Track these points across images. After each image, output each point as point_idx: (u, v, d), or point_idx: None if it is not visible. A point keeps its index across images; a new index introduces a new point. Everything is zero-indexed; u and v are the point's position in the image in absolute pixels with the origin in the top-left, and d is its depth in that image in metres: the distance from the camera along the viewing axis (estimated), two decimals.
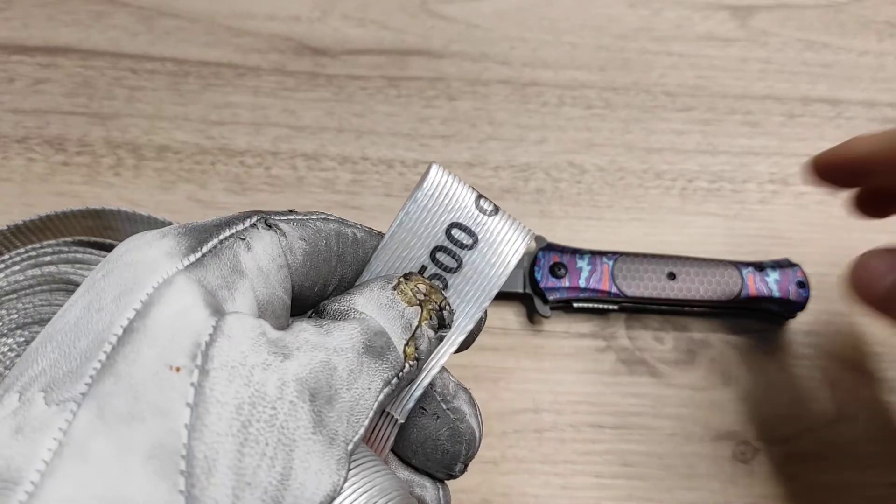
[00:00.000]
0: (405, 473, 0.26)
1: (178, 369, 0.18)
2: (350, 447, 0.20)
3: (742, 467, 0.38)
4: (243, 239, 0.21)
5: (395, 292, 0.23)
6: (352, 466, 0.22)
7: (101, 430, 0.17)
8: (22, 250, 0.38)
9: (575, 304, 0.40)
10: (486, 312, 0.25)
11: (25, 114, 0.45)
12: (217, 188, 0.43)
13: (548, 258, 0.40)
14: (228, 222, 0.21)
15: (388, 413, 0.24)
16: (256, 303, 0.21)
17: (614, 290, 0.40)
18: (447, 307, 0.23)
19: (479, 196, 0.24)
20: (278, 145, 0.45)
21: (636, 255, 0.41)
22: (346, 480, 0.20)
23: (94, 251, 0.38)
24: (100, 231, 0.41)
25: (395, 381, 0.21)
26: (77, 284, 0.36)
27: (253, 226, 0.22)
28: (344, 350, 0.20)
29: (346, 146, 0.45)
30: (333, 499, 0.19)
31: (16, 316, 0.36)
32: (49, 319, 0.36)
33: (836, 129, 0.47)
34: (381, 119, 0.46)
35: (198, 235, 0.21)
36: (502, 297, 0.41)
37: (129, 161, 0.44)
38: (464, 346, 0.25)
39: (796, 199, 0.45)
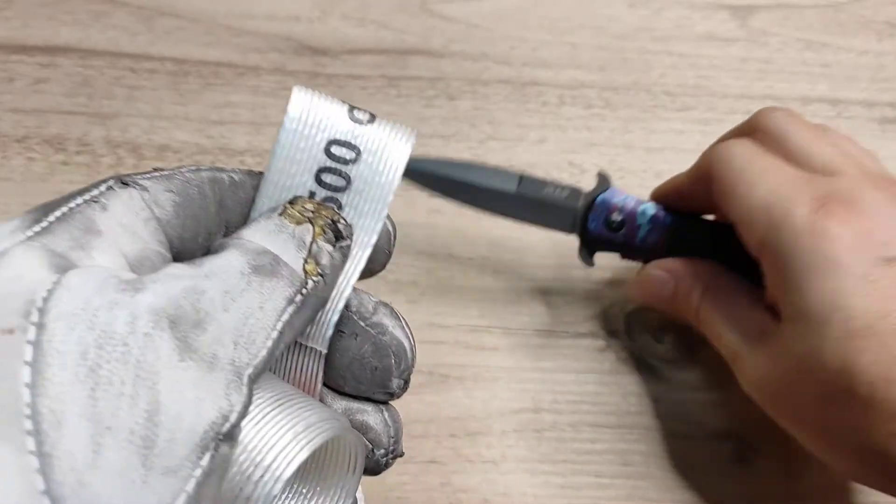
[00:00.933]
0: (341, 403, 0.25)
1: (11, 331, 0.17)
2: (249, 371, 0.19)
3: (742, 467, 0.38)
4: (97, 201, 0.21)
5: (282, 217, 0.22)
6: (274, 406, 0.21)
7: None
8: None
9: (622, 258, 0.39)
10: (392, 223, 0.25)
11: (25, 113, 0.45)
12: None
13: (605, 207, 0.37)
14: (81, 191, 0.21)
15: (308, 347, 0.24)
16: (125, 259, 0.20)
17: None
18: (340, 220, 0.23)
19: (352, 108, 0.24)
20: None
21: None
22: (245, 406, 0.19)
23: None
24: None
25: (298, 297, 0.21)
26: None
27: (109, 188, 0.21)
28: (216, 273, 0.20)
29: None
30: (229, 423, 0.18)
31: None
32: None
33: (835, 129, 0.47)
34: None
35: (45, 209, 0.20)
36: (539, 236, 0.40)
37: (128, 161, 0.44)
38: (377, 263, 0.25)
39: None
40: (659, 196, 0.39)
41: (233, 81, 0.46)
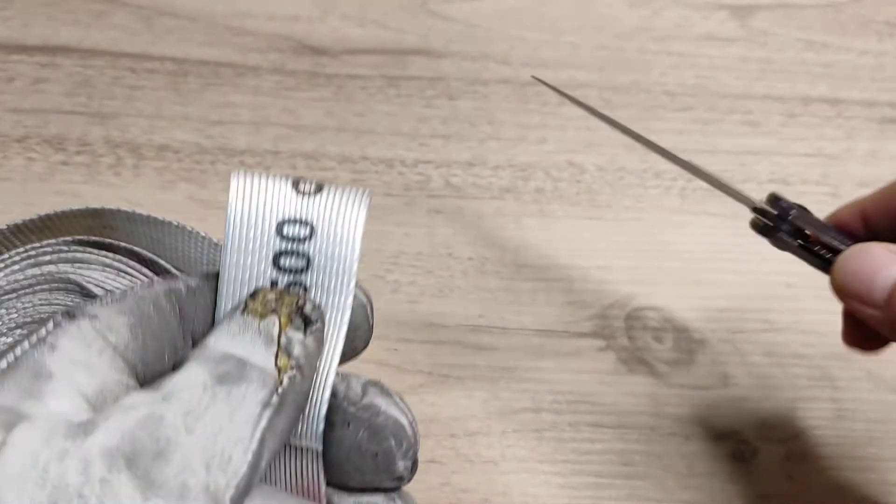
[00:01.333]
0: (350, 500, 0.23)
1: None
2: (231, 493, 0.17)
3: (742, 467, 0.38)
4: (44, 342, 0.19)
5: (245, 314, 0.21)
6: None
7: None
8: (21, 250, 0.38)
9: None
10: (366, 294, 0.23)
11: (25, 113, 0.45)
12: (217, 188, 0.43)
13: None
14: (28, 333, 0.20)
15: (302, 447, 0.22)
16: (83, 397, 0.19)
17: None
18: (307, 303, 0.21)
19: (297, 181, 0.22)
20: (278, 145, 0.45)
21: None
22: None
23: (93, 250, 0.38)
24: (99, 230, 0.41)
25: (274, 398, 0.19)
26: (77, 284, 0.36)
27: (56, 325, 0.20)
28: (175, 394, 0.18)
29: (346, 146, 0.45)
30: None
31: (15, 315, 0.36)
32: (49, 319, 0.36)
33: (835, 128, 0.47)
34: (380, 119, 0.46)
35: None
36: None
37: (128, 160, 0.44)
38: (359, 340, 0.23)
39: (796, 199, 0.45)
40: (840, 225, 0.33)
41: (233, 81, 0.46)
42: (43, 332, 0.19)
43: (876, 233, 0.32)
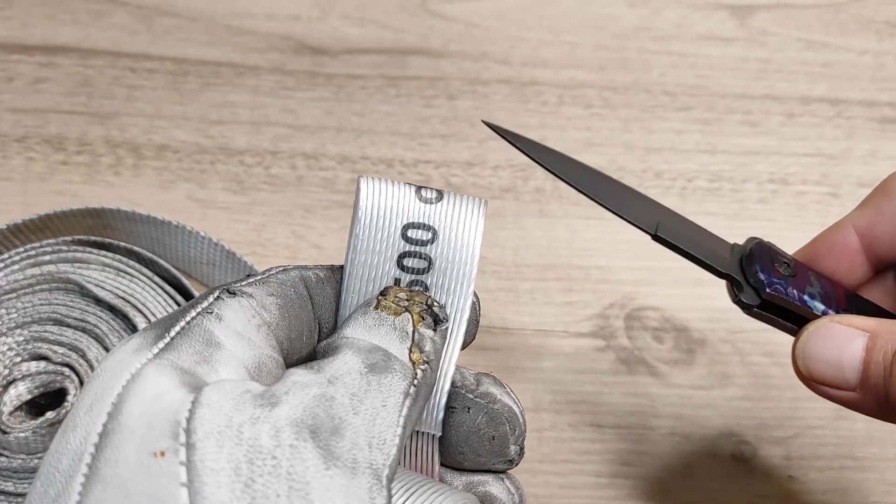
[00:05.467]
0: (462, 479, 0.25)
1: (162, 453, 0.17)
2: (386, 472, 0.19)
3: (742, 467, 0.38)
4: (211, 312, 0.21)
5: (378, 310, 0.22)
6: (403, 493, 0.21)
7: None
8: (21, 249, 0.38)
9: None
10: (477, 298, 0.25)
11: (25, 113, 0.45)
12: (216, 187, 0.43)
13: (771, 252, 0.30)
14: (192, 303, 0.21)
15: (422, 432, 0.24)
16: (245, 368, 0.20)
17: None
18: (434, 303, 0.23)
19: (419, 188, 0.24)
20: (278, 144, 0.45)
21: None
22: None
23: (93, 250, 0.38)
24: (99, 230, 0.41)
25: (412, 389, 0.21)
26: (77, 284, 0.36)
27: (217, 298, 0.21)
28: (339, 378, 0.20)
29: (346, 145, 0.45)
30: None
31: (15, 315, 0.36)
32: (48, 318, 0.36)
33: (835, 128, 0.47)
34: (380, 118, 0.46)
35: (163, 324, 0.21)
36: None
37: (128, 160, 0.44)
38: (468, 335, 0.25)
39: (796, 199, 0.45)
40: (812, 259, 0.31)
41: (232, 81, 0.46)
42: (206, 303, 0.21)
43: (881, 257, 0.30)
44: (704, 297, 0.42)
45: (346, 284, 0.23)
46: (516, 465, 0.25)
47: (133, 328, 0.36)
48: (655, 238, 0.29)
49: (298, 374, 0.20)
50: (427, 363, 0.22)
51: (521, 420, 0.25)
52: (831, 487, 0.38)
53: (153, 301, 0.37)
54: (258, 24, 0.48)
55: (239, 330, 0.21)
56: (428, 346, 0.22)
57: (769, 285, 0.29)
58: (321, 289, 0.24)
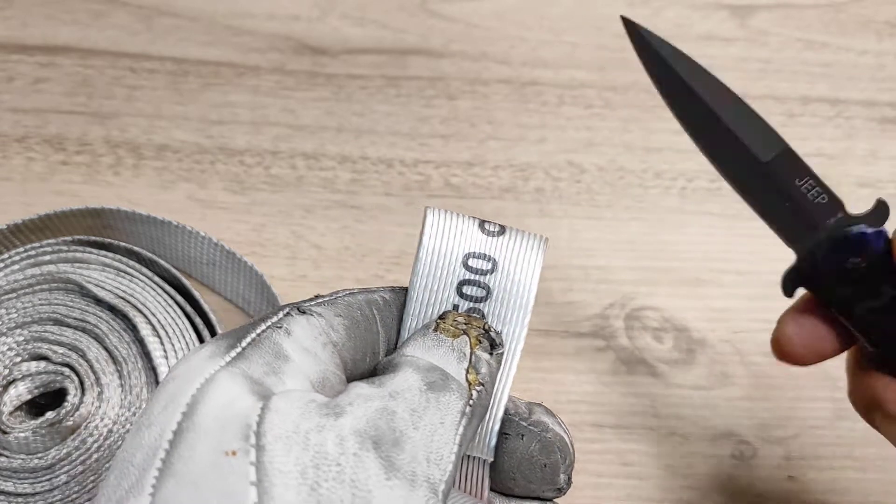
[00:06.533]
0: None
1: (233, 453, 0.18)
2: (443, 487, 0.19)
3: (741, 467, 0.38)
4: (280, 327, 0.22)
5: (438, 332, 0.23)
6: None
7: None
8: (21, 249, 0.38)
9: None
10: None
11: (25, 113, 0.45)
12: (216, 187, 0.43)
13: (855, 244, 0.27)
14: (263, 318, 0.22)
15: (473, 457, 0.24)
16: (310, 381, 0.21)
17: None
18: (492, 329, 0.24)
19: (482, 221, 0.25)
20: (278, 144, 0.45)
21: None
22: None
23: (93, 250, 0.38)
24: (99, 230, 0.41)
25: (468, 409, 0.21)
26: (77, 284, 0.36)
27: (287, 314, 0.22)
28: (400, 393, 0.21)
29: (346, 145, 0.45)
30: None
31: (15, 315, 0.36)
32: (48, 318, 0.36)
33: (835, 128, 0.47)
34: (380, 118, 0.46)
35: (236, 334, 0.21)
36: None
37: (128, 160, 0.44)
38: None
39: None
40: None
41: (232, 81, 0.46)
42: (276, 318, 0.22)
43: None
44: (704, 297, 0.42)
45: (408, 308, 0.24)
46: (564, 493, 0.26)
47: (133, 328, 0.36)
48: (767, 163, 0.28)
49: (361, 388, 0.21)
50: (482, 385, 0.22)
51: (571, 450, 0.26)
52: (831, 487, 0.38)
53: (153, 301, 0.37)
54: (258, 24, 0.48)
55: (306, 346, 0.22)
56: (484, 369, 0.23)
57: (817, 273, 0.27)
58: (388, 311, 0.25)
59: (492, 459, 0.25)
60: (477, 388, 0.22)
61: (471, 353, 0.23)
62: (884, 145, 0.46)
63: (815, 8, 0.51)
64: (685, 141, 0.46)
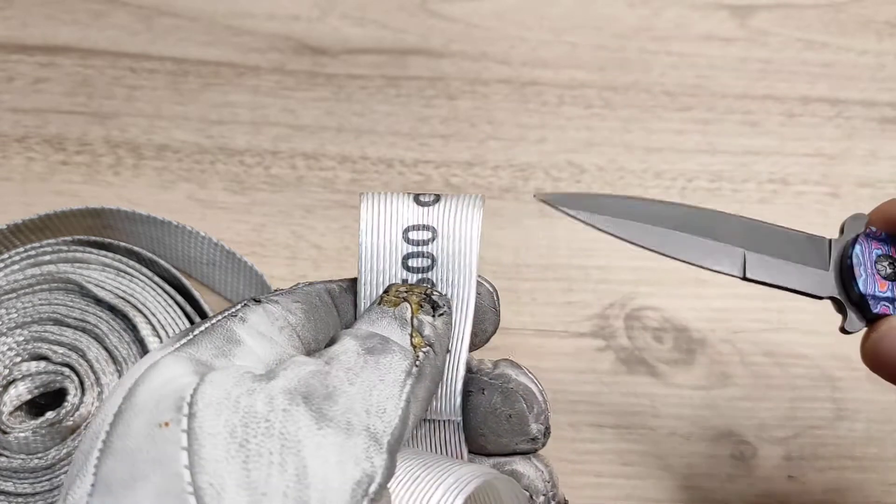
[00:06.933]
0: (489, 462, 0.26)
1: (166, 424, 0.19)
2: (388, 438, 0.20)
3: (741, 467, 0.38)
4: (235, 316, 0.23)
5: (381, 305, 0.24)
6: (423, 468, 0.22)
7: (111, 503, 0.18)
8: (21, 249, 0.38)
9: None
10: (492, 285, 0.26)
11: (25, 113, 0.45)
12: (216, 187, 0.43)
13: (869, 247, 0.28)
14: (222, 311, 0.23)
15: (443, 421, 0.25)
16: (264, 364, 0.22)
17: None
18: (433, 293, 0.24)
19: (417, 195, 0.25)
20: (278, 144, 0.45)
21: None
22: (389, 469, 0.20)
23: (93, 250, 0.38)
24: (99, 230, 0.41)
25: (414, 369, 0.22)
26: (76, 283, 0.36)
27: (244, 305, 0.23)
28: (335, 357, 0.21)
29: (346, 145, 0.45)
30: (375, 484, 0.19)
31: (15, 315, 0.36)
32: (48, 318, 0.36)
33: (835, 128, 0.47)
34: (380, 118, 0.46)
35: (192, 327, 0.22)
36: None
37: (128, 160, 0.44)
38: (489, 324, 0.26)
39: (796, 199, 0.45)
40: (887, 218, 0.29)
41: (232, 81, 0.46)
42: (234, 309, 0.23)
43: None
44: (704, 297, 0.42)
45: (360, 292, 0.25)
46: (542, 444, 0.26)
47: (133, 328, 0.36)
48: (745, 279, 0.28)
49: (300, 358, 0.21)
50: (429, 346, 0.23)
51: (541, 398, 0.26)
52: (831, 487, 0.38)
53: (153, 301, 0.37)
54: (258, 24, 0.48)
55: (262, 330, 0.22)
56: (428, 331, 0.23)
57: (874, 304, 0.27)
58: (344, 298, 0.25)
59: (460, 419, 0.25)
60: (423, 349, 0.22)
61: (412, 318, 0.23)
62: (884, 145, 0.46)
63: (815, 8, 0.51)
64: (685, 141, 0.46)
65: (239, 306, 0.23)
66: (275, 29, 0.48)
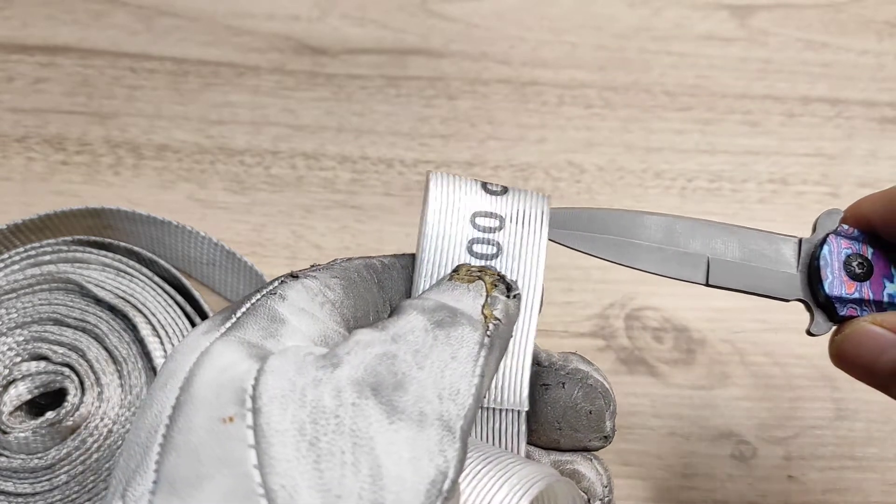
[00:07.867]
0: (549, 458, 0.25)
1: (230, 419, 0.18)
2: (461, 423, 0.19)
3: (741, 467, 0.38)
4: (274, 293, 0.22)
5: (452, 280, 0.23)
6: (485, 464, 0.21)
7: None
8: (21, 249, 0.38)
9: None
10: (542, 287, 0.25)
11: (25, 113, 0.45)
12: (216, 187, 0.43)
13: (839, 247, 0.28)
14: (258, 289, 0.22)
15: (506, 410, 0.24)
16: (311, 340, 0.21)
17: None
18: (506, 276, 0.24)
19: (485, 183, 0.25)
20: (278, 144, 0.45)
21: None
22: (461, 459, 0.19)
23: (93, 250, 0.38)
24: (99, 230, 0.41)
25: (486, 339, 0.21)
26: (76, 283, 0.36)
27: (282, 282, 0.22)
28: (402, 336, 0.20)
29: (346, 145, 0.45)
30: (448, 480, 0.18)
31: (15, 315, 0.36)
32: (48, 318, 0.36)
33: (835, 128, 0.47)
34: (380, 118, 0.46)
35: (231, 308, 0.22)
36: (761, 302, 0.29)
37: (128, 160, 0.44)
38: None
39: (796, 199, 0.45)
40: (861, 216, 0.29)
41: (232, 81, 0.46)
42: (272, 286, 0.22)
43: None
44: (704, 297, 0.42)
45: (419, 270, 0.24)
46: (610, 442, 0.26)
47: (133, 328, 0.36)
48: (709, 286, 0.28)
49: (362, 333, 0.20)
50: (499, 319, 0.22)
51: (613, 397, 0.26)
52: (831, 487, 0.38)
53: (153, 301, 0.37)
54: (258, 24, 0.48)
55: (302, 307, 0.22)
56: (500, 307, 0.22)
57: (840, 307, 0.27)
58: (387, 273, 0.25)
59: (527, 409, 0.24)
60: (493, 321, 0.22)
61: (487, 295, 0.22)
62: (884, 145, 0.46)
63: (815, 8, 0.51)
64: (685, 141, 0.46)
65: (276, 283, 0.22)
66: (275, 29, 0.48)
